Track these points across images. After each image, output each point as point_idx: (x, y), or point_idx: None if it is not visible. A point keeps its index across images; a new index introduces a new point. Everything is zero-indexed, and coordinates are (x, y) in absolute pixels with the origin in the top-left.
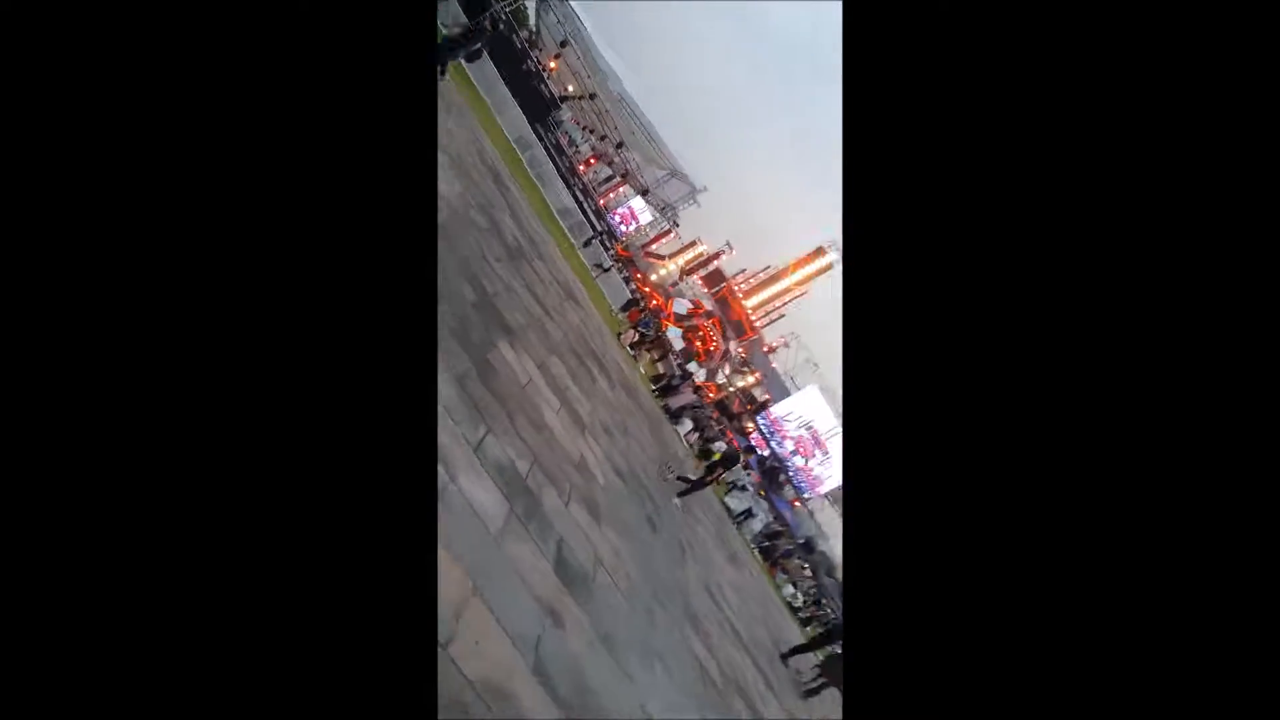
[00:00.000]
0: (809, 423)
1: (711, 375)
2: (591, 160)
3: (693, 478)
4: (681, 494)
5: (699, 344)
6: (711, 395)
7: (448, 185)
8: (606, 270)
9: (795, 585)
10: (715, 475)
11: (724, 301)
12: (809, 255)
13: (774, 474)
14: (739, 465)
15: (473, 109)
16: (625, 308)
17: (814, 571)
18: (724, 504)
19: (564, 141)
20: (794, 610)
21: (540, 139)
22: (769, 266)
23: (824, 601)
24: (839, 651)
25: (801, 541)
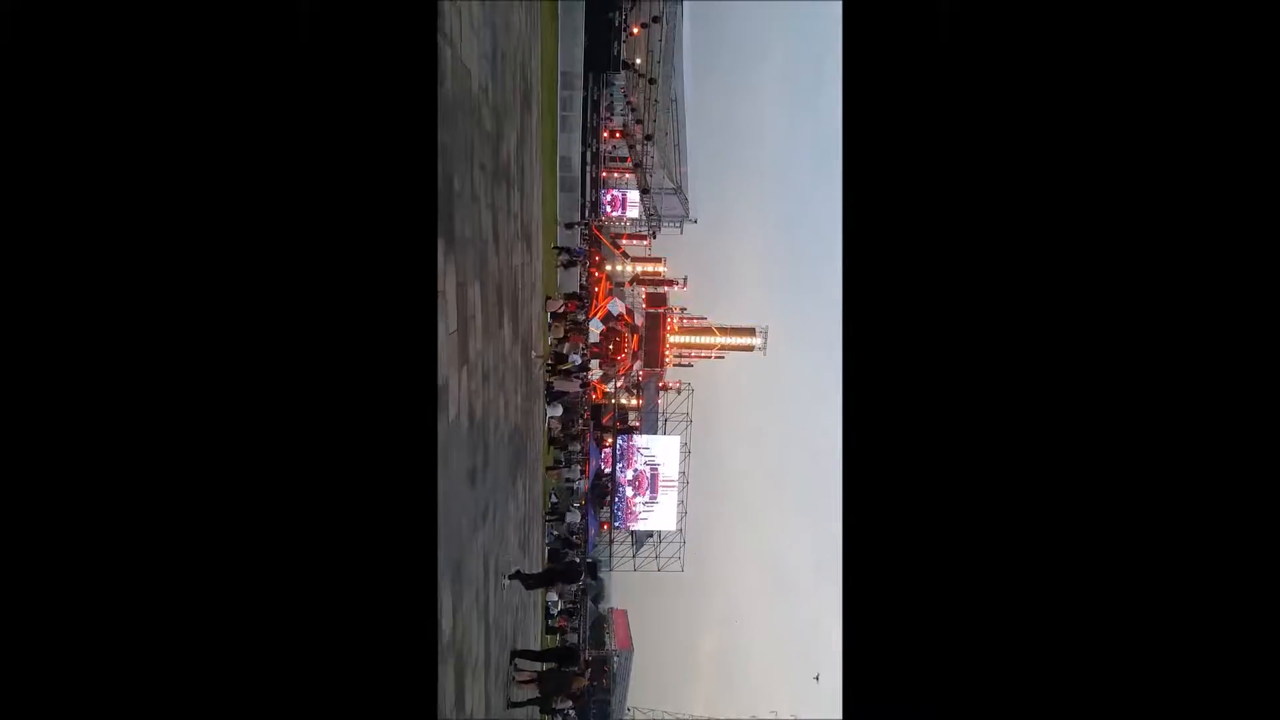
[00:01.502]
0: (657, 465)
1: (605, 380)
2: (617, 134)
3: (529, 574)
4: (512, 577)
5: (611, 348)
6: (595, 396)
7: (479, 74)
8: (571, 255)
9: (560, 596)
10: (551, 582)
11: (652, 325)
12: (742, 329)
13: (602, 492)
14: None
15: (544, 20)
16: (570, 297)
17: (583, 592)
18: (552, 494)
19: (604, 103)
20: (547, 616)
21: (585, 87)
22: (705, 318)
23: (577, 623)
24: (562, 670)
25: (590, 561)
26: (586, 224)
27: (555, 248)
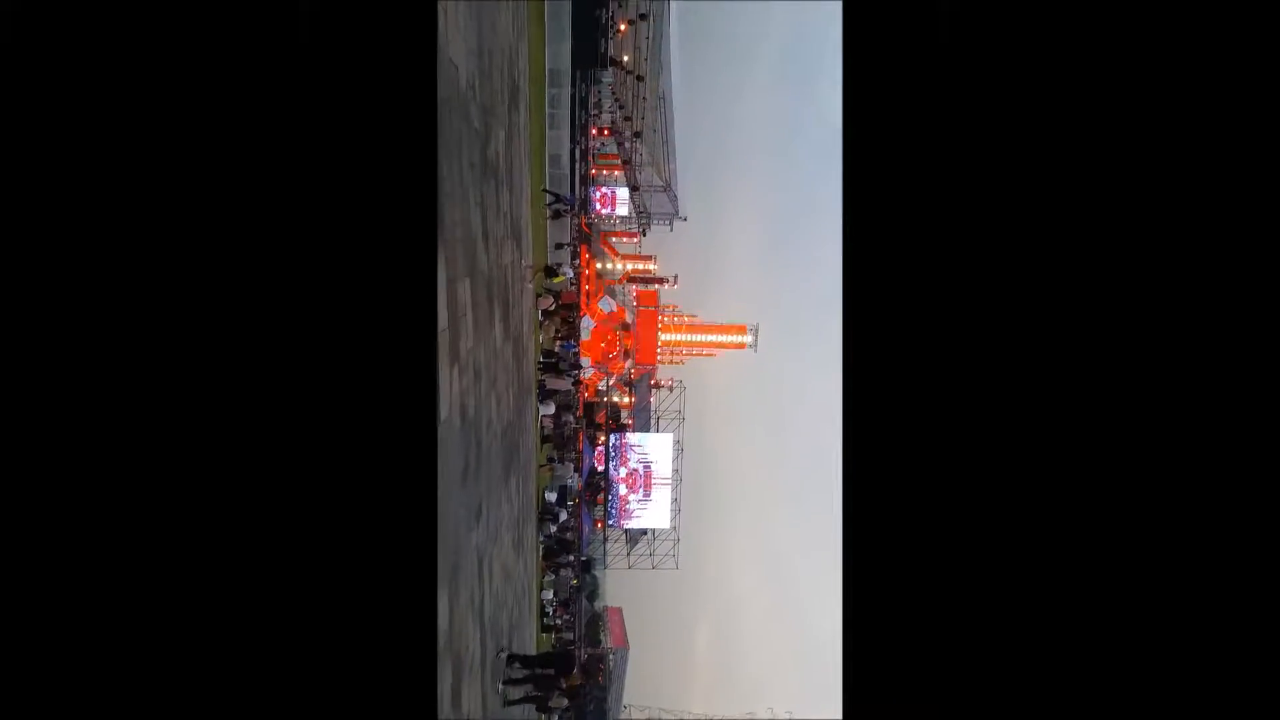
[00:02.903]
0: (650, 462)
1: (599, 375)
2: (606, 131)
3: (526, 654)
4: (507, 682)
5: (604, 345)
6: (588, 395)
7: (465, 71)
8: (561, 202)
9: (555, 593)
10: (548, 677)
11: (643, 323)
12: (733, 326)
13: (595, 490)
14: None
15: (530, 18)
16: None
17: (578, 589)
18: (545, 491)
19: (592, 99)
20: (543, 614)
21: (573, 84)
22: (696, 315)
23: (570, 618)
24: (557, 673)
25: (583, 559)
26: (571, 208)
27: (544, 190)
